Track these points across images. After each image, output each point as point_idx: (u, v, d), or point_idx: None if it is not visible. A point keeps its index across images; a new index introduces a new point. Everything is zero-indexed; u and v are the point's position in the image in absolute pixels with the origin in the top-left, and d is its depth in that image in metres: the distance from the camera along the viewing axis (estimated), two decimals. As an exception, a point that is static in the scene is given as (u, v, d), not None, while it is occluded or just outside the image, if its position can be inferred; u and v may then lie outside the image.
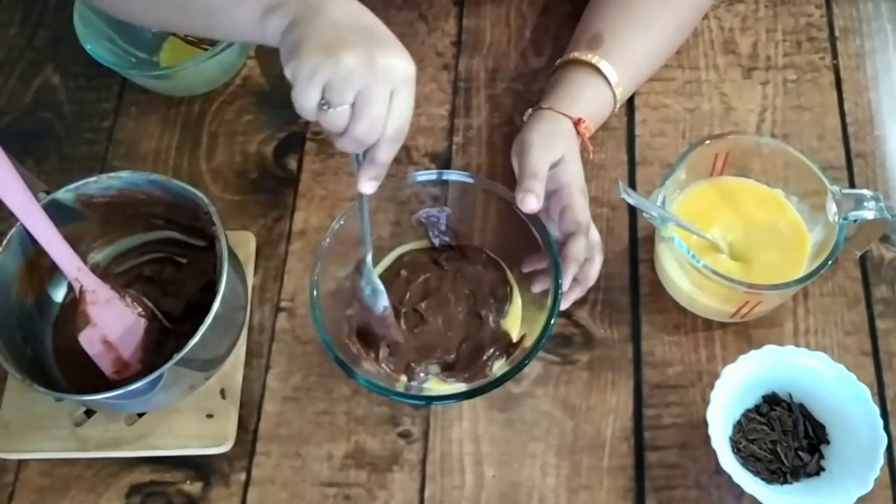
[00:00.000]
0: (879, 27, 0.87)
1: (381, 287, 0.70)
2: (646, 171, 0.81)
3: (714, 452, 0.64)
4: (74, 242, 0.70)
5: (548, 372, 0.74)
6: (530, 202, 0.68)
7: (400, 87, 0.56)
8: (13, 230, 0.69)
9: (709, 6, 0.85)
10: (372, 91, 0.55)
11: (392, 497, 0.70)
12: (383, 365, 0.72)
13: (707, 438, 0.64)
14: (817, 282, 0.74)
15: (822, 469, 0.67)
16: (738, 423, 0.69)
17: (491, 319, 0.74)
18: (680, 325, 0.75)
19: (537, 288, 0.71)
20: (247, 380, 0.75)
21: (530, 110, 0.77)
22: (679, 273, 0.72)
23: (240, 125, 0.87)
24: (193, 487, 0.72)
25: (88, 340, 0.70)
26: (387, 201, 0.74)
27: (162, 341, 0.73)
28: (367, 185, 0.61)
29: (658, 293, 0.76)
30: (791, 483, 0.67)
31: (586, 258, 0.70)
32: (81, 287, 0.69)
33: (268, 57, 0.89)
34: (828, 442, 0.68)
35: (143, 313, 0.72)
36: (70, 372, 0.73)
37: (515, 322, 0.74)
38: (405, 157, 0.84)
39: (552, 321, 0.67)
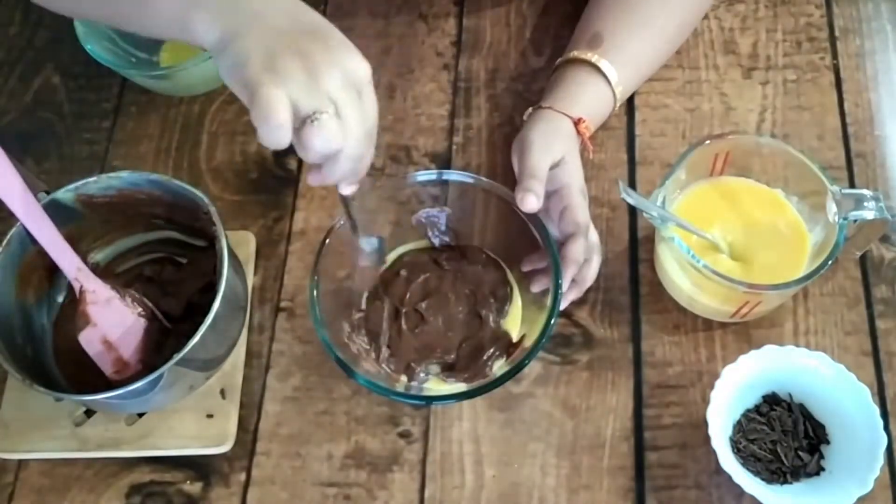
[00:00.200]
0: (879, 27, 0.87)
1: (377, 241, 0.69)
2: (646, 171, 0.81)
3: (714, 452, 0.64)
4: (74, 242, 0.70)
5: (548, 372, 0.74)
6: (530, 202, 0.68)
7: (363, 87, 0.54)
8: (13, 230, 0.69)
9: (709, 7, 0.85)
10: (343, 99, 0.52)
11: (392, 497, 0.70)
12: (383, 365, 0.72)
13: (707, 438, 0.64)
14: (817, 282, 0.74)
15: (822, 469, 0.67)
16: (738, 423, 0.69)
17: (491, 319, 0.74)
18: (680, 325, 0.75)
19: (537, 287, 0.71)
20: (247, 380, 0.75)
21: (530, 109, 0.77)
22: (679, 273, 0.72)
23: (240, 125, 0.87)
24: (193, 487, 0.72)
25: (88, 340, 0.70)
26: (387, 201, 0.74)
27: (162, 341, 0.73)
28: (348, 188, 0.59)
29: (658, 293, 0.76)
30: (791, 483, 0.67)
31: (584, 259, 0.70)
32: (81, 287, 0.69)
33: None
34: (828, 442, 0.68)
35: (143, 313, 0.72)
36: (70, 372, 0.73)
37: (515, 322, 0.74)
38: (405, 157, 0.84)
39: (552, 321, 0.67)
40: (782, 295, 0.72)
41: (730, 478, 0.63)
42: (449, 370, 0.73)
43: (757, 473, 0.67)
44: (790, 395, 0.69)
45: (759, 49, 0.86)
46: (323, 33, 0.55)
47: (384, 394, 0.68)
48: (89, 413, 0.73)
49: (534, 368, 0.74)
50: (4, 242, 0.69)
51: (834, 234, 0.67)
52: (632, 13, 0.79)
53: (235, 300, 0.71)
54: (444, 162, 0.83)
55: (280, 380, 0.75)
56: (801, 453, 0.68)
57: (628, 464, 0.70)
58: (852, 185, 0.80)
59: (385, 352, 0.73)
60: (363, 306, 0.75)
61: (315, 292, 0.68)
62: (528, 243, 0.71)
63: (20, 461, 0.73)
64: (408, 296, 0.75)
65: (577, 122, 0.74)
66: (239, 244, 0.78)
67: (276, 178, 0.84)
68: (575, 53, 0.77)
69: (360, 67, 0.54)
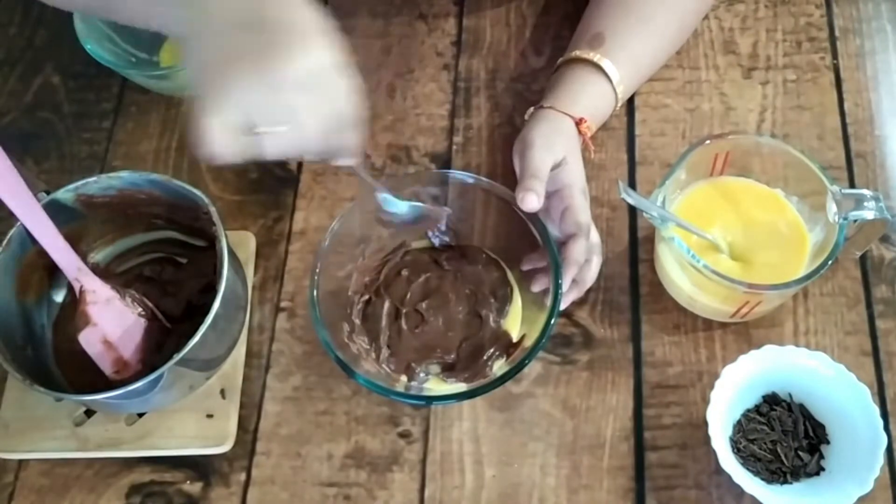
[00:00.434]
0: (879, 27, 0.87)
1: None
2: (646, 171, 0.81)
3: (714, 452, 0.64)
4: (74, 242, 0.70)
5: (548, 372, 0.74)
6: (531, 201, 0.68)
7: (326, 76, 0.52)
8: (13, 230, 0.69)
9: (709, 7, 0.85)
10: (299, 104, 0.51)
11: (392, 497, 0.70)
12: (383, 365, 0.72)
13: (707, 438, 0.64)
14: (817, 282, 0.74)
15: (822, 469, 0.67)
16: (738, 423, 0.69)
17: (491, 319, 0.74)
18: (680, 325, 0.75)
19: (537, 287, 0.71)
20: (247, 380, 0.75)
21: (531, 109, 0.77)
22: (679, 273, 0.72)
23: (240, 125, 0.87)
24: (193, 487, 0.72)
25: (88, 340, 0.70)
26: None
27: (162, 341, 0.73)
28: (342, 162, 0.58)
29: (658, 293, 0.76)
30: (791, 483, 0.67)
31: (585, 259, 0.70)
32: (81, 287, 0.69)
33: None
34: (828, 442, 0.68)
35: (143, 313, 0.72)
36: (70, 372, 0.73)
37: (515, 322, 0.74)
38: (405, 157, 0.84)
39: (552, 321, 0.67)
40: (782, 295, 0.72)
41: (730, 478, 0.63)
42: (449, 370, 0.72)
43: (757, 473, 0.67)
44: (790, 395, 0.69)
45: (759, 49, 0.86)
46: (285, 27, 0.51)
47: (384, 394, 0.68)
48: (89, 413, 0.73)
49: (534, 368, 0.74)
50: (4, 242, 0.69)
51: (834, 234, 0.67)
52: (633, 13, 0.79)
53: (235, 300, 0.71)
54: (444, 162, 0.83)
55: (280, 380, 0.75)
56: (801, 453, 0.68)
57: (628, 464, 0.70)
58: (852, 185, 0.80)
59: (385, 352, 0.73)
60: (363, 306, 0.75)
61: (315, 292, 0.68)
62: (529, 243, 0.71)
63: (20, 461, 0.73)
64: (408, 296, 0.75)
65: (578, 122, 0.74)
66: (239, 244, 0.78)
67: (276, 178, 0.84)
68: (576, 53, 0.77)
69: (320, 57, 0.51)
